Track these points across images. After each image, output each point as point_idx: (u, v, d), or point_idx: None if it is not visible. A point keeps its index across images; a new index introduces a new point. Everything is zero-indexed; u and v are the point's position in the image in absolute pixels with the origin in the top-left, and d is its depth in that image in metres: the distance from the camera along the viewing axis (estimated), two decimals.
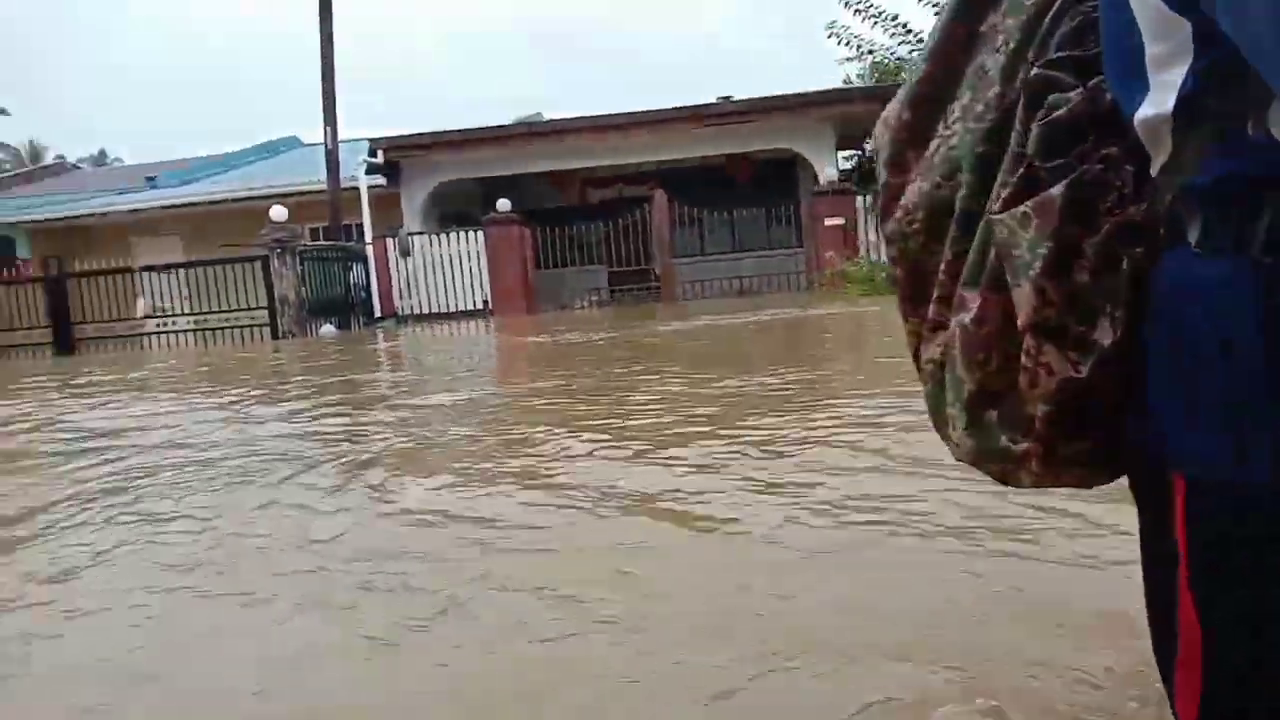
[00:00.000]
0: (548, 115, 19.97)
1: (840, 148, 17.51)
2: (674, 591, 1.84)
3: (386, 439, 3.87)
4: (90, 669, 1.68)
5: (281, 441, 3.95)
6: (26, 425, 5.36)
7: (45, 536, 2.63)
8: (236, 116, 79.38)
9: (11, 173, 27.44)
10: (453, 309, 15.83)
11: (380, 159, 16.08)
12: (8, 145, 48.24)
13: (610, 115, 16.46)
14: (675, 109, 16.43)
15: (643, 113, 16.49)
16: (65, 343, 14.38)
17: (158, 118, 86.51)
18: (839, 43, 17.47)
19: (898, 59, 17.13)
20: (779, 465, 2.81)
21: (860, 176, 17.32)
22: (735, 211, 17.11)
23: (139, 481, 3.24)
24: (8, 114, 47.38)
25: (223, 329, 14.17)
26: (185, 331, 14.42)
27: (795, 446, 3.05)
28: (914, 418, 2.74)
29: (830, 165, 16.15)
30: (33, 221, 16.78)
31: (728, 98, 17.30)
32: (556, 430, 3.58)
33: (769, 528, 2.15)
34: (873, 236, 15.36)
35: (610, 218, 16.89)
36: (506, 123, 18.33)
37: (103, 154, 52.44)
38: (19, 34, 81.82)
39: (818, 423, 3.48)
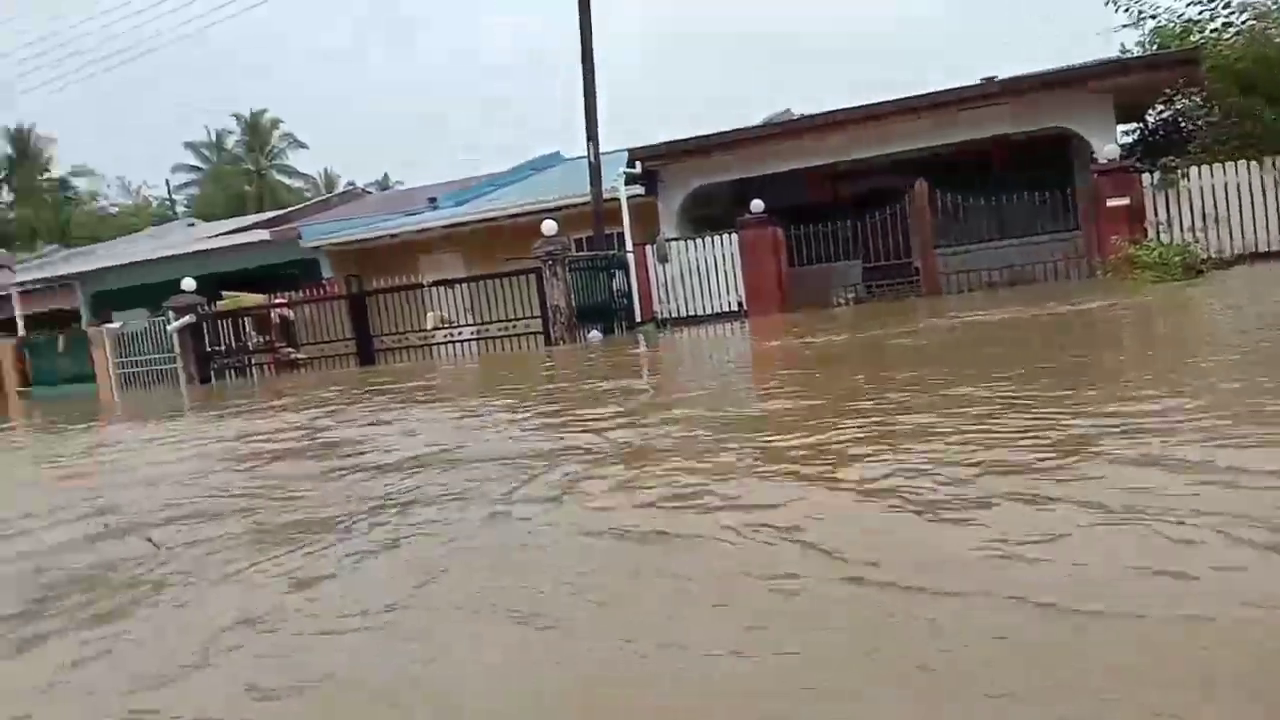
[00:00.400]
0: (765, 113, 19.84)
1: (1117, 122, 16.19)
2: None
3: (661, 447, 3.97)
4: None
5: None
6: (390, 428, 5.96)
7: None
8: (501, 135, 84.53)
9: (312, 200, 30.67)
10: (709, 311, 16.10)
11: (638, 169, 16.62)
12: (307, 175, 54.19)
13: (867, 106, 16.10)
14: (934, 94, 15.82)
15: (900, 100, 16.00)
16: (367, 354, 15.95)
17: (430, 141, 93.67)
18: (1115, 9, 16.18)
19: (1185, 22, 15.60)
20: None
21: (1145, 151, 15.93)
22: (1000, 198, 16.25)
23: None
24: (307, 147, 53.43)
25: (501, 337, 15.19)
26: (468, 340, 15.57)
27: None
28: None
29: (1110, 141, 14.93)
30: (335, 244, 18.76)
31: (991, 78, 16.45)
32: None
33: None
34: (1161, 216, 14.10)
35: (864, 211, 16.54)
36: (754, 124, 18.43)
37: (385, 178, 57.62)
38: (311, 71, 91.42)
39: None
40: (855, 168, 17.38)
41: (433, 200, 21.32)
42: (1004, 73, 16.96)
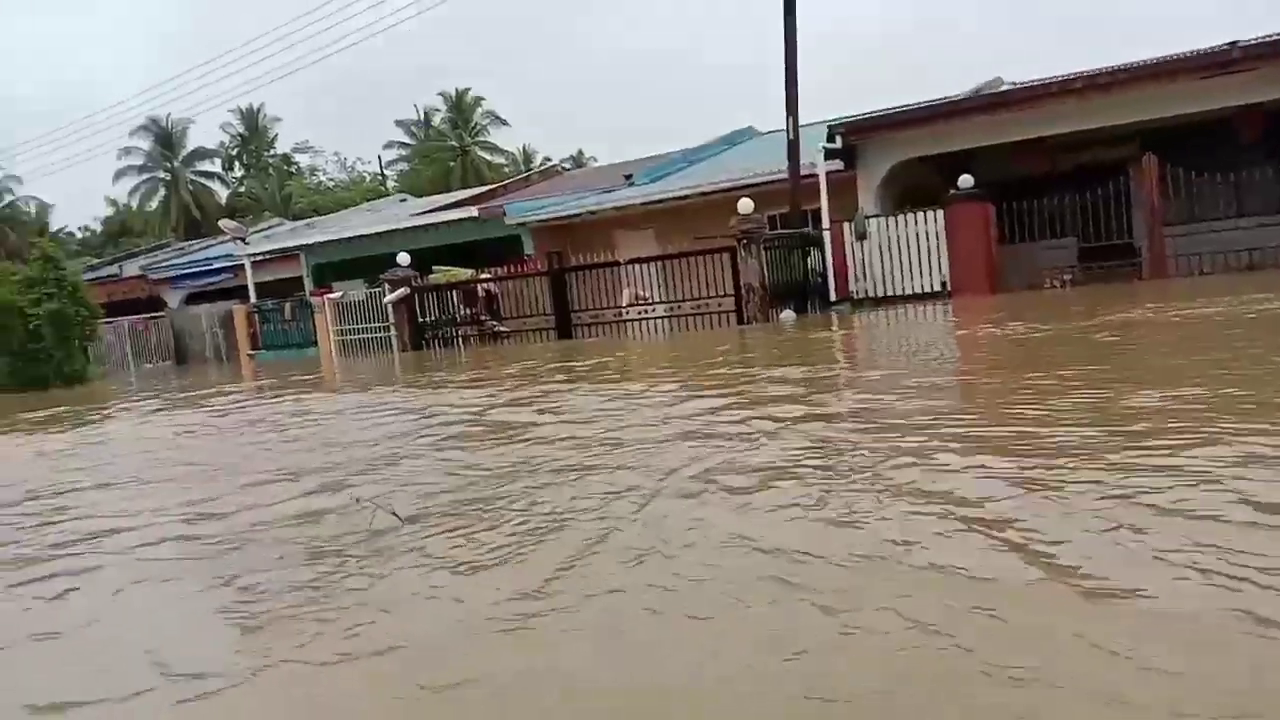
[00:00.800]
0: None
1: None
2: None
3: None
4: None
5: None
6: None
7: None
8: (694, 108, 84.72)
9: (515, 177, 31.76)
10: (908, 291, 15.58)
11: (838, 143, 16.24)
12: (507, 151, 56.16)
13: (1089, 74, 15.06)
14: (1167, 60, 14.61)
15: (1127, 68, 14.86)
16: (566, 328, 16.43)
17: (623, 115, 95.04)
18: None
19: None
20: None
21: None
22: (1239, 174, 14.84)
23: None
24: (508, 124, 55.35)
25: (694, 315, 15.28)
26: (661, 318, 15.75)
27: None
28: None
29: None
30: (536, 221, 19.39)
31: (1233, 43, 14.99)
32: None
33: None
34: None
35: (1082, 187, 15.52)
36: (961, 94, 17.57)
37: (580, 153, 58.99)
38: (513, 51, 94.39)
39: None
40: (1071, 140, 16.31)
41: (629, 177, 21.63)
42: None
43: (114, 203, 60.92)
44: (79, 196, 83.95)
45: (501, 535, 3.04)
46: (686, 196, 18.31)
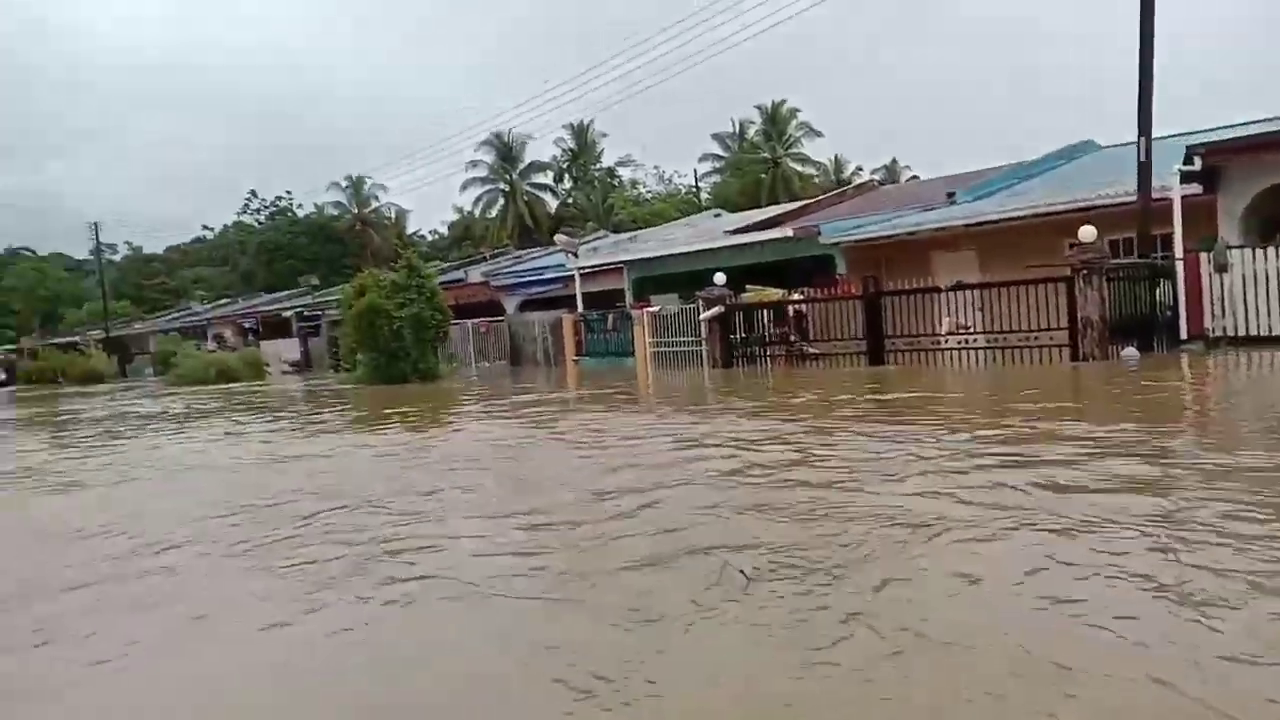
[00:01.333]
0: None
1: None
2: None
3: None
4: None
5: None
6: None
7: None
8: (1022, 119, 79.96)
9: (827, 194, 31.55)
10: (1278, 333, 13.74)
11: (1197, 164, 14.65)
12: (818, 162, 55.94)
13: None
14: None
15: None
16: (877, 353, 16.12)
17: (942, 123, 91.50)
18: None
19: None
20: None
21: None
22: None
23: None
24: (822, 135, 55.11)
25: (1020, 348, 14.41)
26: (982, 349, 15.01)
27: None
28: None
29: None
30: (852, 241, 19.18)
31: None
32: None
33: None
34: None
35: None
36: None
37: (894, 163, 57.53)
38: (832, 60, 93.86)
39: None
40: None
41: (950, 195, 20.82)
42: None
43: (459, 210, 67.69)
44: (431, 203, 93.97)
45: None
46: (1017, 218, 17.30)
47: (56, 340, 58.75)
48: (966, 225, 17.84)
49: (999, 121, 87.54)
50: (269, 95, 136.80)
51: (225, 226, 77.82)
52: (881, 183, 35.85)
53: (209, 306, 56.78)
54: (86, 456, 10.56)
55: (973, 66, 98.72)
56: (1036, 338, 14.22)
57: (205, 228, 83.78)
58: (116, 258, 77.57)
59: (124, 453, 10.72)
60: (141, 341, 54.70)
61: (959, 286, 15.67)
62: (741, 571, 4.02)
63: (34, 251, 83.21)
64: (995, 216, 17.60)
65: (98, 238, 62.34)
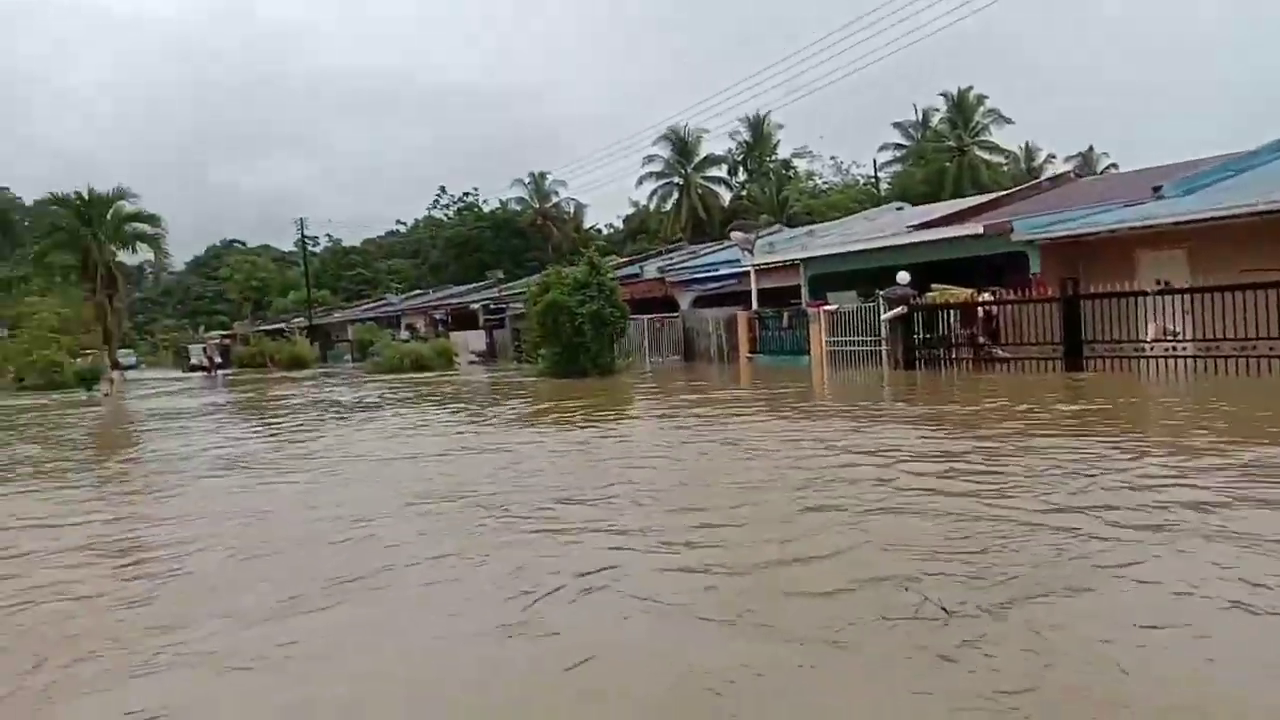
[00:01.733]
0: None
1: None
2: None
3: None
4: None
5: None
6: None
7: None
8: (1240, 104, 73.61)
9: (1019, 186, 30.12)
10: None
11: None
12: (1008, 150, 53.44)
13: None
14: None
15: None
16: (1075, 359, 15.33)
17: (1145, 107, 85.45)
18: None
19: None
20: None
21: None
22: None
23: None
24: (1012, 123, 52.62)
25: (1235, 358, 13.36)
26: (1191, 358, 14.01)
27: None
28: None
29: None
30: (1048, 239, 18.21)
31: None
32: None
33: None
34: None
35: None
36: None
37: (1090, 151, 54.25)
38: (1019, 44, 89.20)
39: None
40: None
41: (1157, 189, 19.41)
42: None
43: (635, 204, 68.74)
44: (608, 198, 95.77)
45: None
46: (1233, 215, 15.97)
47: (265, 327, 63.69)
48: (1176, 223, 16.60)
49: (1211, 106, 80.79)
50: (461, 96, 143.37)
51: (416, 221, 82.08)
52: (1078, 174, 33.82)
53: (402, 298, 60.03)
54: (352, 440, 11.46)
55: (1181, 47, 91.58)
56: (1255, 347, 13.14)
57: (399, 222, 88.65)
58: (318, 250, 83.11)
59: (362, 439, 11.57)
60: (340, 329, 58.51)
61: (1166, 290, 14.67)
62: (943, 608, 3.98)
63: (245, 243, 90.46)
64: (1208, 214, 16.28)
65: (302, 232, 67.13)
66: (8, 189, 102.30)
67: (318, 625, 4.15)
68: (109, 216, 33.09)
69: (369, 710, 3.23)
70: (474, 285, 52.91)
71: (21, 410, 23.76)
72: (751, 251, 26.10)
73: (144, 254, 36.73)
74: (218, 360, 48.98)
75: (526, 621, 3.98)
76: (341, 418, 15.64)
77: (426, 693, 3.38)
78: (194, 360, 50.66)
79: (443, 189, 78.74)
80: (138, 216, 34.32)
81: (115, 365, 33.98)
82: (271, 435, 13.47)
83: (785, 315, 23.45)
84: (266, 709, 3.29)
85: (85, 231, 32.50)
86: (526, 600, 4.27)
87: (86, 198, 33.16)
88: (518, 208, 69.94)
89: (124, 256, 34.95)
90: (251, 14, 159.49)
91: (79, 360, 40.55)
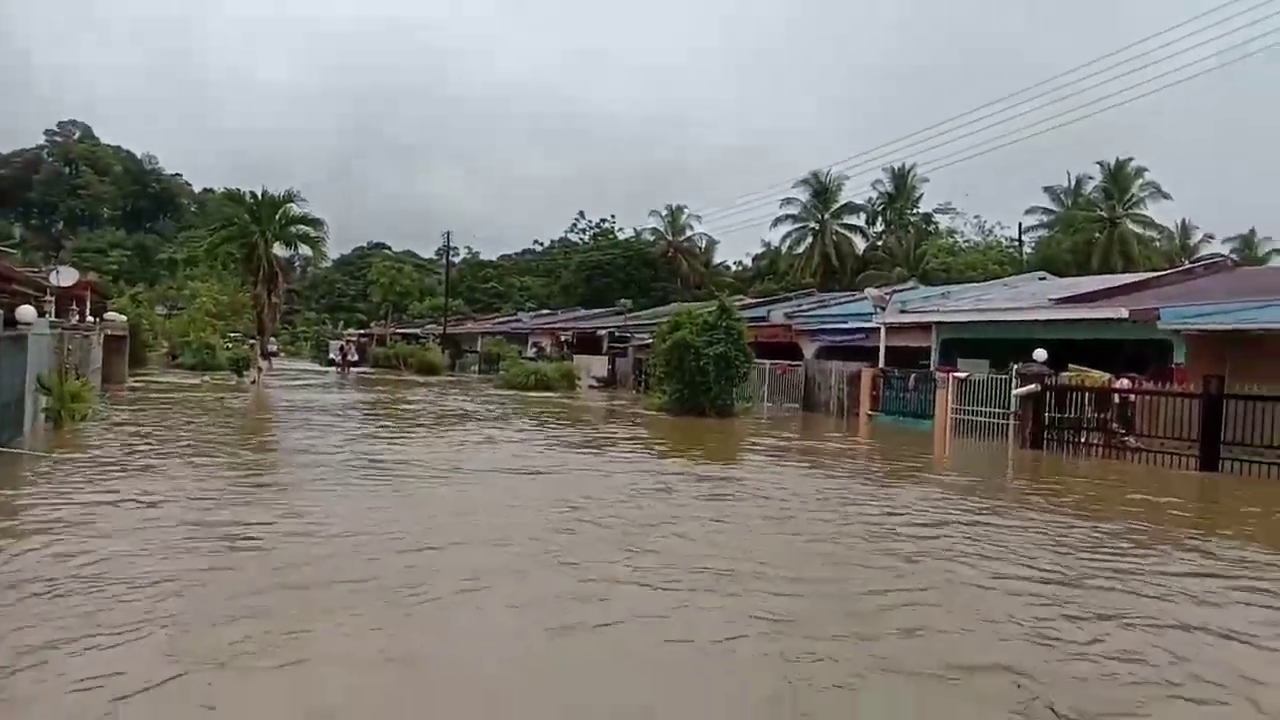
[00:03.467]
0: None
1: None
2: None
3: None
4: None
5: None
6: None
7: None
8: None
9: (1171, 270, 29.11)
10: None
11: None
12: (1162, 226, 51.37)
13: None
14: None
15: None
16: (1211, 459, 14.85)
17: None
18: None
19: None
20: None
21: None
22: None
23: None
24: (1170, 198, 50.58)
25: None
26: None
27: None
28: None
29: None
30: (1197, 330, 17.67)
31: None
32: None
33: None
34: None
35: None
36: None
37: (1252, 234, 51.68)
38: (1184, 116, 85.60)
39: None
40: None
41: None
42: None
43: (767, 244, 68.88)
44: (740, 236, 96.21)
45: None
46: None
47: (402, 330, 66.40)
48: None
49: None
50: (609, 124, 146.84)
51: (553, 242, 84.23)
52: (1236, 262, 32.38)
53: (532, 315, 61.75)
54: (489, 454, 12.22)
55: None
56: None
57: (536, 241, 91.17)
58: (457, 260, 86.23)
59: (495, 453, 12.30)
60: (471, 340, 60.51)
61: None
62: (1052, 709, 4.21)
63: (390, 247, 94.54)
64: None
65: (448, 244, 69.86)
66: (179, 175, 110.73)
67: None
68: (277, 216, 35.55)
69: None
70: (601, 310, 54.03)
71: (197, 389, 25.69)
72: (884, 309, 26.01)
73: (304, 252, 39.23)
74: (352, 358, 51.11)
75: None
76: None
77: None
78: (332, 355, 53.06)
79: (581, 213, 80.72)
80: (304, 219, 36.72)
81: (265, 355, 36.19)
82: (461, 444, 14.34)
83: (912, 377, 23.27)
84: None
85: (254, 228, 34.98)
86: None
87: (259, 197, 35.75)
88: (651, 238, 71.03)
89: (283, 253, 37.41)
90: (424, 27, 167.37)
91: (229, 345, 43.42)
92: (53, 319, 16.22)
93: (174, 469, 10.76)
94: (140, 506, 8.20)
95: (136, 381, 29.03)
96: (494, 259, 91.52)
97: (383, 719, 3.97)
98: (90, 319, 26.63)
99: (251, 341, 39.51)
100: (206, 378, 34.28)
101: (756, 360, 25.99)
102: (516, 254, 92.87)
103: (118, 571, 5.86)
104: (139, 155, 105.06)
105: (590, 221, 79.35)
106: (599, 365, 41.15)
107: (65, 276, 19.14)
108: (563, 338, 48.40)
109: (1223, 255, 38.54)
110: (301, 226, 37.00)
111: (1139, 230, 50.09)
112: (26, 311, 14.05)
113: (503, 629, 5.22)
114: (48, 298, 17.41)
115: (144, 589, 5.49)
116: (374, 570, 6.19)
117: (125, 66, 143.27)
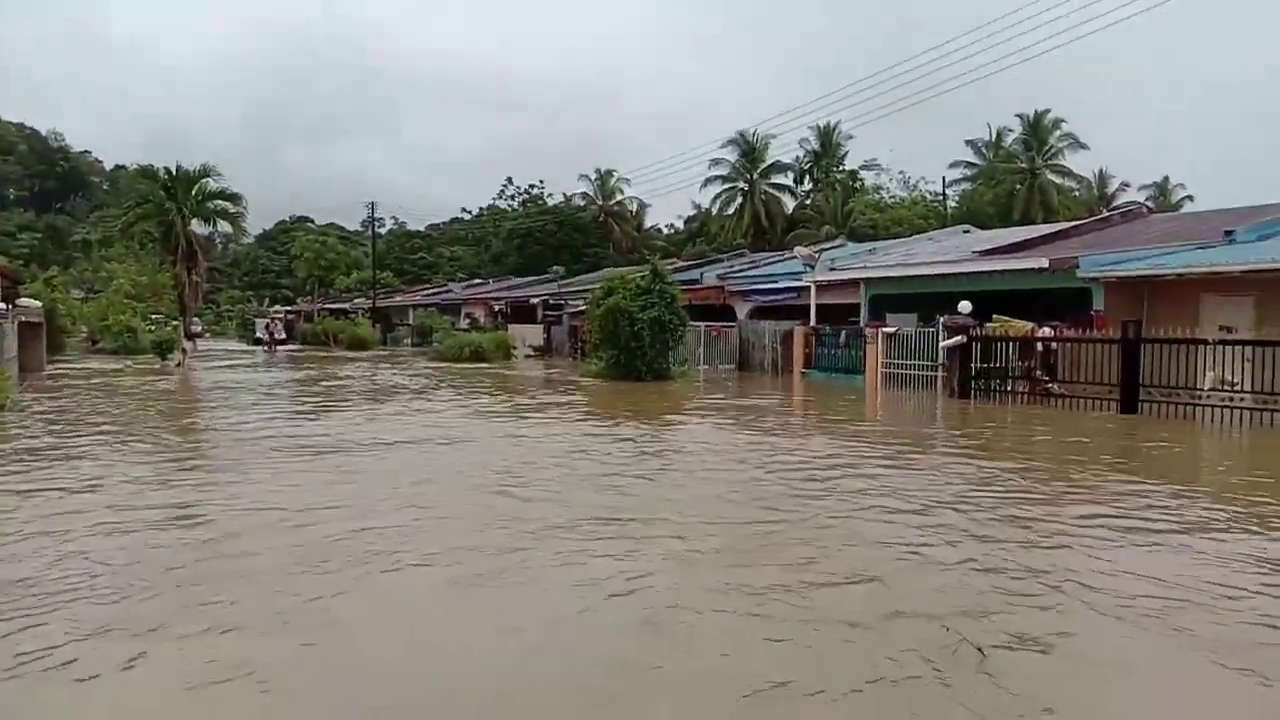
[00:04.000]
0: None
1: None
2: None
3: None
4: None
5: None
6: None
7: None
8: None
9: (1088, 219, 29.88)
10: None
11: None
12: (1081, 176, 52.65)
13: None
14: None
15: None
16: (1129, 401, 15.37)
17: (1227, 141, 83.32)
18: None
19: None
20: None
21: None
22: None
23: None
24: (1087, 148, 51.81)
25: None
26: (1249, 409, 13.99)
27: None
28: None
29: None
30: (1114, 277, 18.18)
31: None
32: None
33: None
34: None
35: None
36: None
37: (1165, 182, 53.26)
38: (1100, 65, 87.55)
39: None
40: None
41: (1229, 233, 19.27)
42: None
43: (697, 206, 68.97)
44: (669, 198, 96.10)
45: None
46: None
47: (330, 305, 65.12)
48: (1245, 271, 16.53)
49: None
50: (533, 89, 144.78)
51: (481, 210, 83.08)
52: (1149, 208, 33.34)
53: (464, 286, 61.00)
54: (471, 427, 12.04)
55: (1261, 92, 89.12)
56: None
57: (463, 210, 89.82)
58: (383, 231, 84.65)
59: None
60: (402, 313, 59.65)
61: (1228, 340, 14.64)
62: (979, 648, 4.35)
63: (313, 221, 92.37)
64: (1276, 265, 16.21)
65: (372, 215, 68.55)
66: (89, 153, 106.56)
67: None
68: (194, 192, 34.40)
69: None
70: (533, 278, 53.65)
71: (119, 373, 24.86)
72: (814, 267, 26.26)
73: (223, 228, 38.08)
74: (280, 337, 50.01)
75: None
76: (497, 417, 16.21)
77: None
78: (258, 334, 51.90)
79: (509, 180, 79.71)
80: (221, 194, 35.60)
81: (189, 335, 35.24)
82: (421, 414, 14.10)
83: (843, 333, 23.60)
84: None
85: (170, 205, 33.82)
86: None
87: (174, 172, 34.54)
88: (581, 203, 70.51)
89: (201, 229, 36.32)
90: None
91: (152, 327, 42.16)
92: None
93: (103, 454, 10.44)
94: (70, 494, 7.94)
95: (55, 369, 28.04)
96: (421, 229, 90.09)
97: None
98: (2, 305, 25.57)
99: (174, 323, 38.37)
100: (129, 362, 33.27)
101: (691, 323, 26.08)
102: (445, 223, 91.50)
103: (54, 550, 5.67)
104: (43, 133, 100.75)
105: (519, 188, 78.42)
106: (534, 334, 40.93)
107: None
108: (496, 307, 48.00)
109: (1138, 203, 39.61)
110: (220, 202, 35.89)
111: (1058, 180, 51.29)
112: None
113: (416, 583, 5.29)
114: None
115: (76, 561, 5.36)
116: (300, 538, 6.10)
117: (23, 38, 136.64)
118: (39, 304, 30.26)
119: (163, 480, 8.85)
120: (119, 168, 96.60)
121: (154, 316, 45.74)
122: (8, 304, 26.59)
